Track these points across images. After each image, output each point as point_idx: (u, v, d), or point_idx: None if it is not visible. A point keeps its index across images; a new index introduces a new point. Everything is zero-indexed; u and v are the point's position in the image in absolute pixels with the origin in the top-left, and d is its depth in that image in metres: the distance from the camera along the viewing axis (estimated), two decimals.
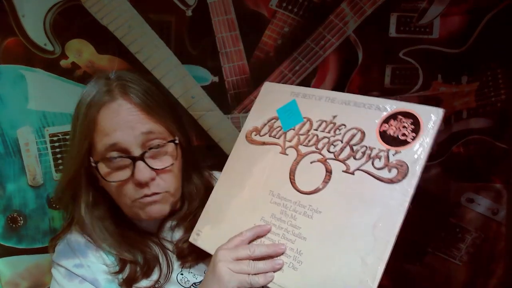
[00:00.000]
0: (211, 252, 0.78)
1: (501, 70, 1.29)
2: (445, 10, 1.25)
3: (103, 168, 0.84)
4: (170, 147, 0.87)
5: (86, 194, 0.89)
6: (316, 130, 0.80)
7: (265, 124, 0.87)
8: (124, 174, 0.83)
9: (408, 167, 0.71)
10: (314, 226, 0.74)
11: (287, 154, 0.82)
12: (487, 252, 1.37)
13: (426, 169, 1.34)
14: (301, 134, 0.82)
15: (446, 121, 1.33)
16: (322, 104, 0.82)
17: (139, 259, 0.87)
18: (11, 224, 1.17)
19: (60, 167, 1.17)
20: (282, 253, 0.74)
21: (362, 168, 0.74)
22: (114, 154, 0.82)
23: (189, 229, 0.90)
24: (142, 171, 0.81)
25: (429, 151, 0.71)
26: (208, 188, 0.95)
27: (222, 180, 0.88)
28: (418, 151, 0.71)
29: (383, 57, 1.29)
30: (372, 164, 0.74)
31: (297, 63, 1.25)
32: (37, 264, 1.20)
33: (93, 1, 1.12)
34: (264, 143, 0.85)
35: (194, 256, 0.90)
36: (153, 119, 0.85)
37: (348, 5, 1.23)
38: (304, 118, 0.83)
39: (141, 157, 0.82)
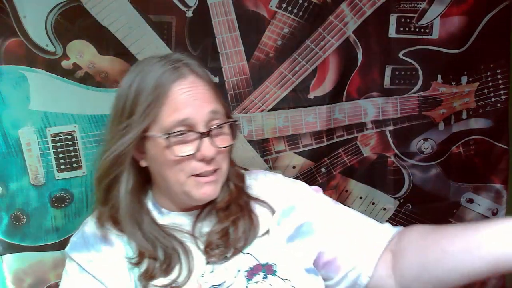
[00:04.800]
0: None
1: (501, 71, 1.29)
2: (444, 11, 1.26)
3: (168, 142, 0.83)
4: (228, 128, 0.88)
5: (127, 176, 0.87)
6: None
7: None
8: (188, 148, 0.82)
9: None
10: None
11: None
12: None
13: (426, 169, 1.37)
14: None
15: (446, 122, 1.33)
16: None
17: (160, 255, 0.85)
18: (14, 222, 1.18)
19: (62, 166, 1.18)
20: None
21: None
22: (181, 128, 0.82)
23: (221, 221, 0.89)
24: (209, 147, 0.82)
25: None
26: (238, 187, 0.93)
27: None
28: None
29: (383, 58, 1.29)
30: None
31: (297, 64, 1.25)
32: (41, 261, 1.21)
33: (94, 2, 1.13)
34: None
35: (221, 250, 0.87)
36: (218, 100, 0.87)
37: (348, 6, 1.24)
38: None
39: (208, 133, 0.83)
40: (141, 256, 0.85)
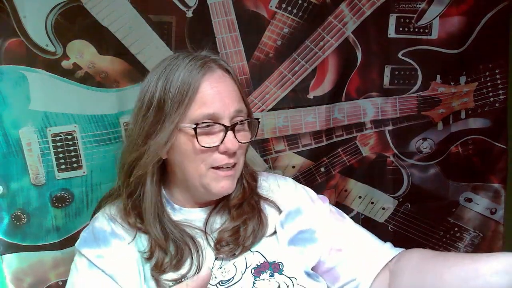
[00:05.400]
0: None
1: (499, 71, 1.30)
2: (444, 11, 1.26)
3: (195, 133, 0.85)
4: (248, 125, 0.91)
5: (152, 168, 0.89)
6: None
7: None
8: (213, 140, 0.85)
9: None
10: None
11: None
12: (485, 251, 1.38)
13: (425, 168, 1.37)
14: None
15: (445, 122, 1.34)
16: None
17: (171, 249, 0.87)
18: (15, 221, 1.18)
19: (63, 166, 1.18)
20: None
21: None
22: (208, 121, 0.85)
23: (233, 219, 0.91)
24: (233, 140, 0.85)
25: None
26: (251, 186, 0.96)
27: None
28: None
29: (382, 58, 1.29)
30: None
31: (297, 64, 1.25)
32: (41, 261, 1.21)
33: (94, 2, 1.13)
34: None
35: (230, 248, 0.89)
36: (243, 99, 0.90)
37: (347, 6, 1.24)
38: None
39: (233, 128, 0.86)
40: (152, 250, 0.87)
